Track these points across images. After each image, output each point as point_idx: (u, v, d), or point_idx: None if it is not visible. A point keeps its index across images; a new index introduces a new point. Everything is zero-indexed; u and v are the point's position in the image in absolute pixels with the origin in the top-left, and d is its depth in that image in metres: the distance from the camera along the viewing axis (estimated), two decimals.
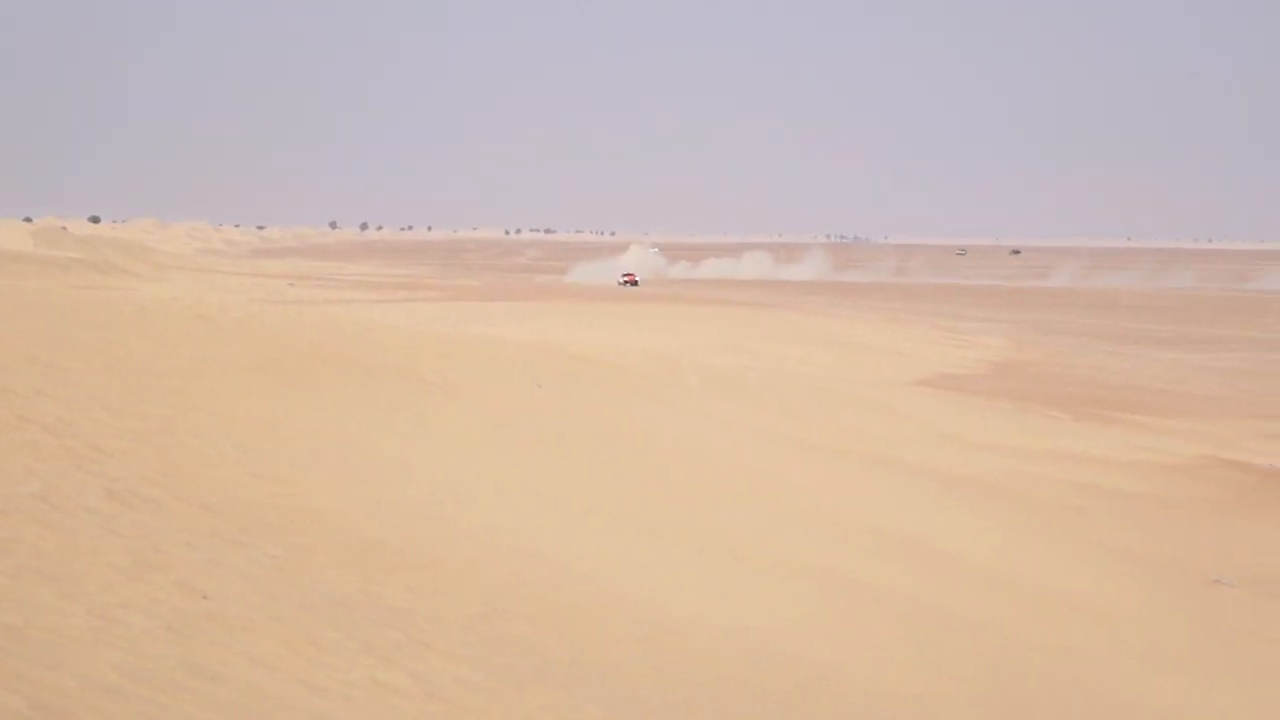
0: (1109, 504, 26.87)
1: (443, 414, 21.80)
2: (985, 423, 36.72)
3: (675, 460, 22.95)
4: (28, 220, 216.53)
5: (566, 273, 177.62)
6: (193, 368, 20.03)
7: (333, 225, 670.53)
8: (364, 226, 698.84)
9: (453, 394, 23.91)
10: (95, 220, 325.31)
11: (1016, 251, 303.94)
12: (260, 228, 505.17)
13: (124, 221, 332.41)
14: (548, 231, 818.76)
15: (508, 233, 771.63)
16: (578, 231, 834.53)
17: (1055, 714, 13.15)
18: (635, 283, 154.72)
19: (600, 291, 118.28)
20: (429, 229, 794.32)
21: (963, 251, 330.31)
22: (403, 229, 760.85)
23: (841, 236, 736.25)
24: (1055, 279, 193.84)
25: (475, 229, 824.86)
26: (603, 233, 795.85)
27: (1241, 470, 33.52)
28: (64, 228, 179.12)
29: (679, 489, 20.32)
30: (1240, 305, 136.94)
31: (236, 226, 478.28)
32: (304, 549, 11.90)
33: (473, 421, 21.82)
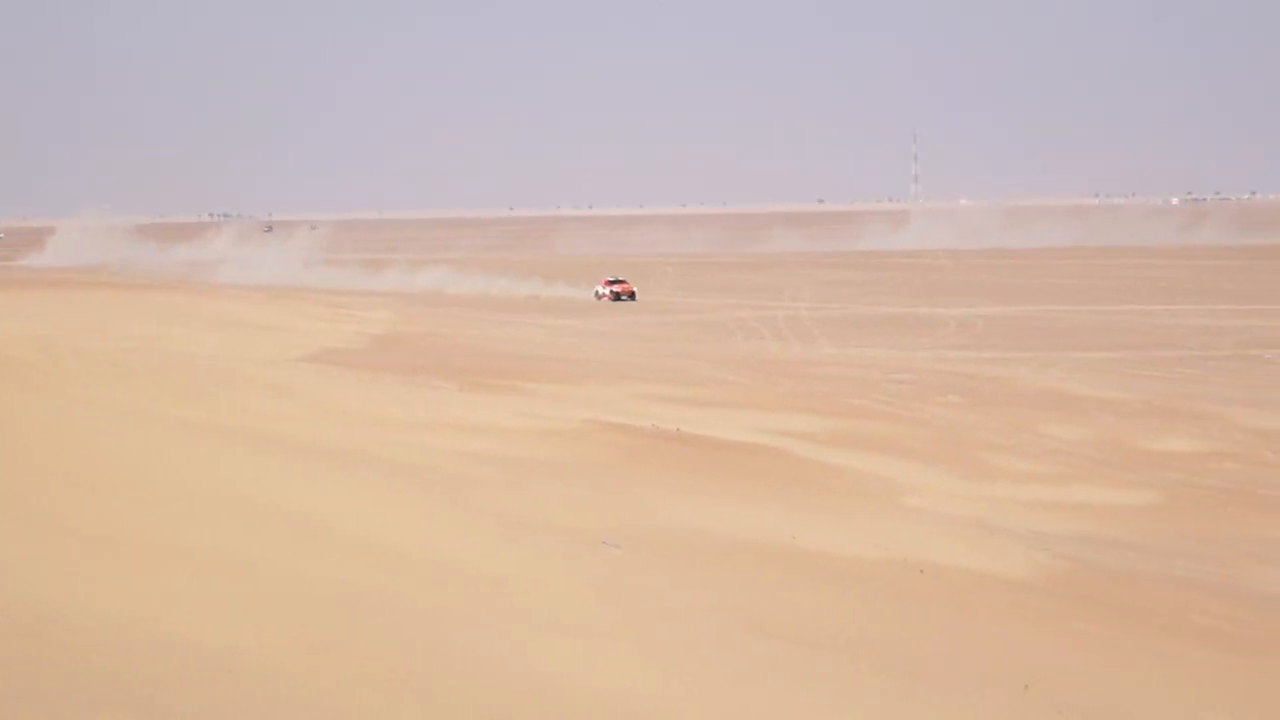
0: (496, 471, 27.08)
1: None
2: (371, 396, 36.57)
3: (51, 447, 22.08)
4: None
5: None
6: None
7: None
8: None
9: None
10: None
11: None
12: None
13: None
14: None
15: None
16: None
17: (441, 682, 13.16)
18: (631, 294, 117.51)
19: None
20: None
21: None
22: None
23: (225, 215, 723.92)
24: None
25: None
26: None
27: (624, 432, 34.36)
28: None
29: (55, 476, 19.54)
30: (629, 269, 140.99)
31: None
32: None
33: None
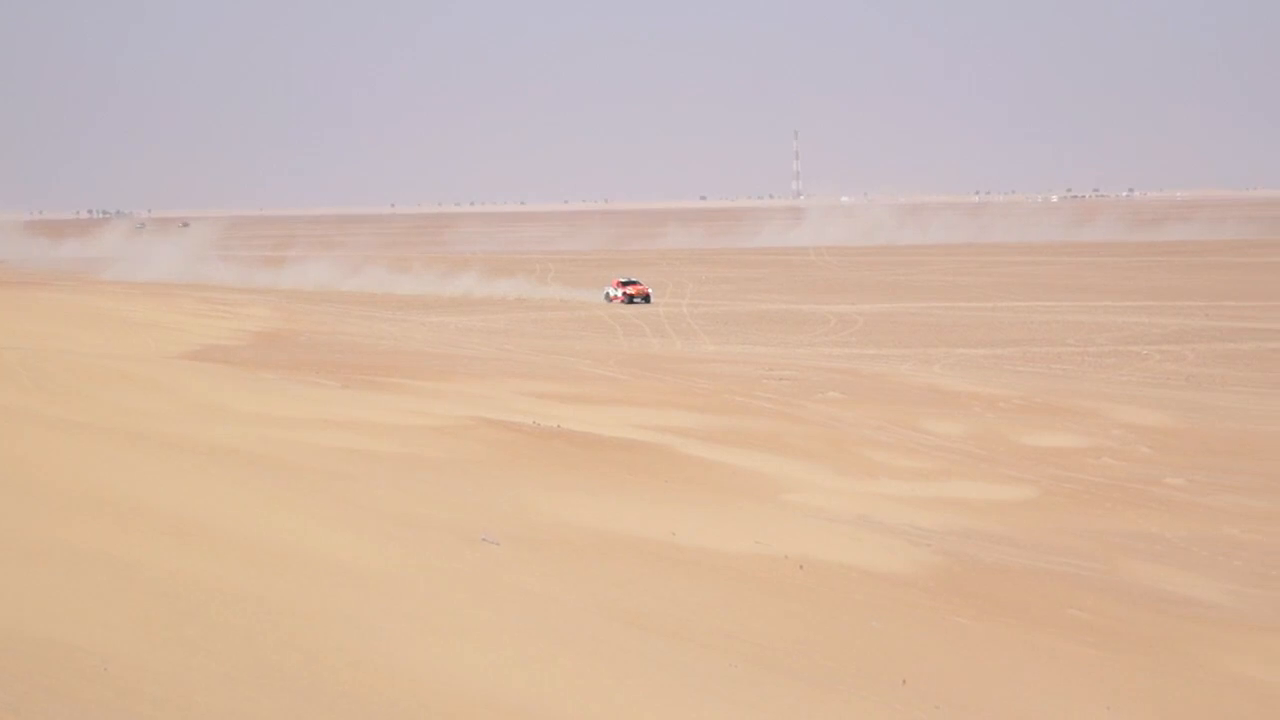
0: (377, 469, 26.93)
1: None
2: (252, 394, 36.27)
3: None
4: None
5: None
6: None
7: None
8: None
9: None
10: None
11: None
12: None
13: None
14: None
15: None
16: None
17: (319, 680, 13.13)
18: (646, 297, 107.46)
19: None
20: None
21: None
22: None
23: (105, 212, 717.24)
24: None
25: None
26: None
27: (505, 429, 34.28)
28: None
29: None
30: (510, 266, 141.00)
31: None
32: None
33: None
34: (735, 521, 27.11)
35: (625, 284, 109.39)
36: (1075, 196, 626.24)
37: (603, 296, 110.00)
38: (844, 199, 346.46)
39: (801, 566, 23.54)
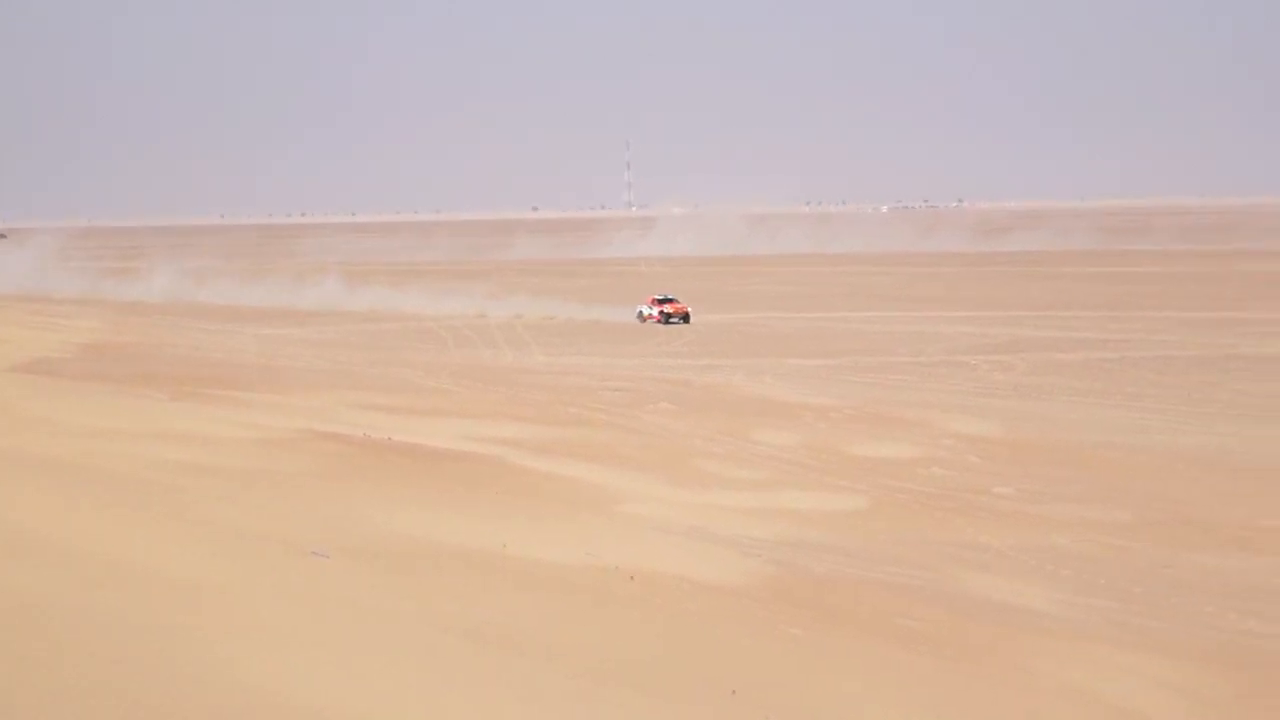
0: (208, 482, 26.66)
1: None
2: (80, 406, 35.81)
3: None
4: None
5: None
6: None
7: None
8: None
9: None
10: None
11: (3, 235, 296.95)
12: None
13: None
14: None
15: None
16: None
17: (147, 695, 13.03)
18: (685, 316, 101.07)
19: None
20: None
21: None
22: None
23: None
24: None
25: None
26: None
27: (337, 441, 34.06)
28: None
29: None
30: (349, 274, 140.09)
31: None
32: None
33: None
34: (567, 533, 27.11)
35: (662, 302, 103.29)
36: (905, 207, 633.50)
37: (635, 315, 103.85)
38: (676, 210, 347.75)
39: (633, 577, 23.56)
